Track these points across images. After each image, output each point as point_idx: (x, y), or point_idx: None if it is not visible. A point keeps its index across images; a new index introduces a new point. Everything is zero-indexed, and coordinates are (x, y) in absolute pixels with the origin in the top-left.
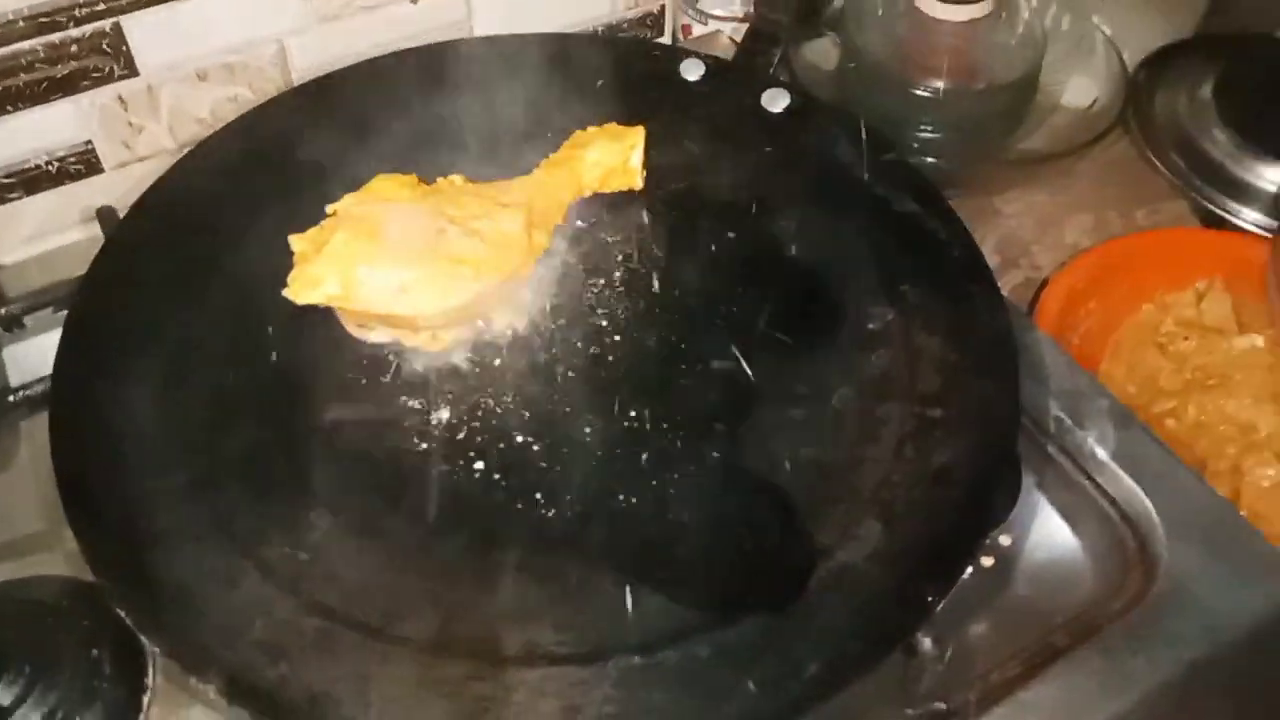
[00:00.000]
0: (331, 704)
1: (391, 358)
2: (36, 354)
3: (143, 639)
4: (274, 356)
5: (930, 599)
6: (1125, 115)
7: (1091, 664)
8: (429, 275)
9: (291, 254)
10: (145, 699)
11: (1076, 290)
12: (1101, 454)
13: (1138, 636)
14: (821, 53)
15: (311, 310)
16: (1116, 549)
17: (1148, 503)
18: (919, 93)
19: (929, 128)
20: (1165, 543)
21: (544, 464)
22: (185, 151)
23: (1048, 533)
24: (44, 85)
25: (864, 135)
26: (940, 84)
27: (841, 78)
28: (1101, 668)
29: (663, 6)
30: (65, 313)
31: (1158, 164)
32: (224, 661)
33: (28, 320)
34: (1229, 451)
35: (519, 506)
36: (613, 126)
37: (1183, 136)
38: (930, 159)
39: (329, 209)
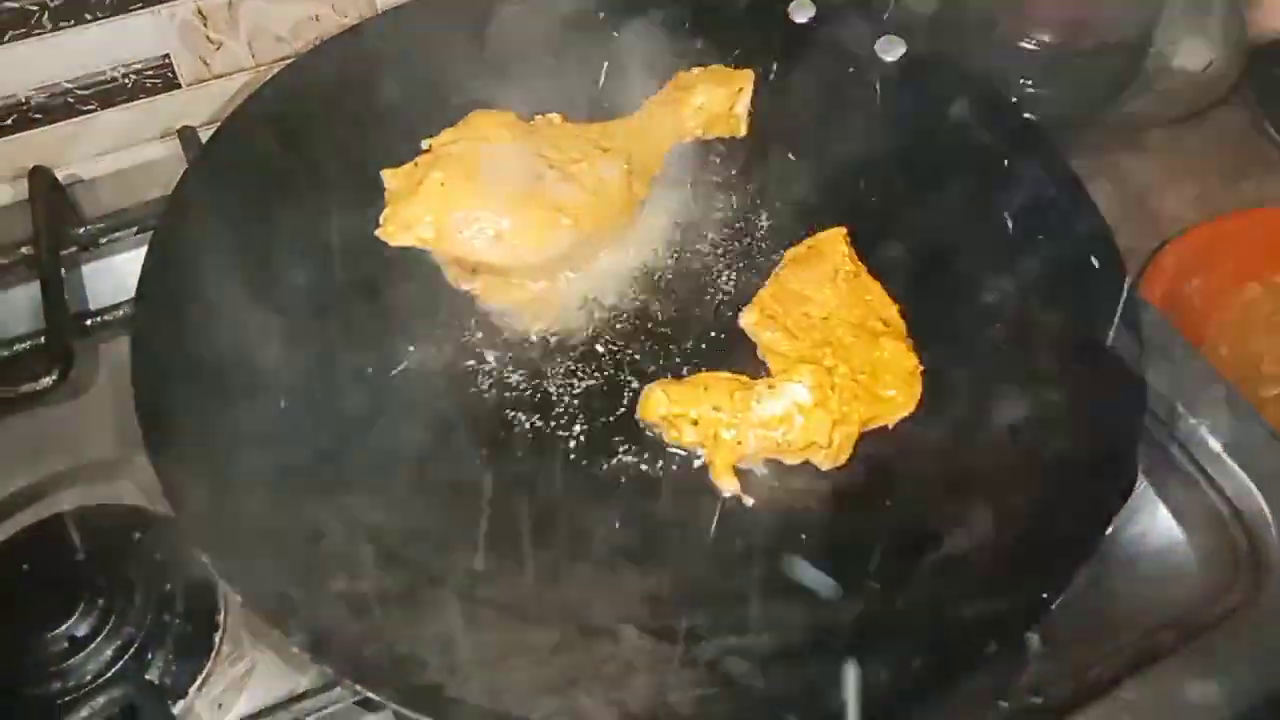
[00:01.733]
0: (415, 666)
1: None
2: (110, 274)
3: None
4: (362, 294)
5: (1045, 596)
6: (1242, 82)
7: (1193, 668)
8: (527, 222)
9: (382, 188)
10: (217, 636)
11: (1183, 266)
12: (1215, 445)
13: (1244, 643)
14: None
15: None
16: (1226, 548)
17: (1262, 501)
18: (1025, 45)
19: (1031, 83)
20: (1278, 544)
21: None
22: (267, 72)
23: (1153, 526)
24: None
25: (984, 92)
26: (1047, 38)
27: (941, 24)
28: (1203, 673)
29: None
30: (143, 234)
31: (1274, 135)
32: (305, 615)
33: (103, 241)
34: None
35: (616, 477)
36: (719, 69)
37: None
38: (1031, 116)
39: (425, 143)
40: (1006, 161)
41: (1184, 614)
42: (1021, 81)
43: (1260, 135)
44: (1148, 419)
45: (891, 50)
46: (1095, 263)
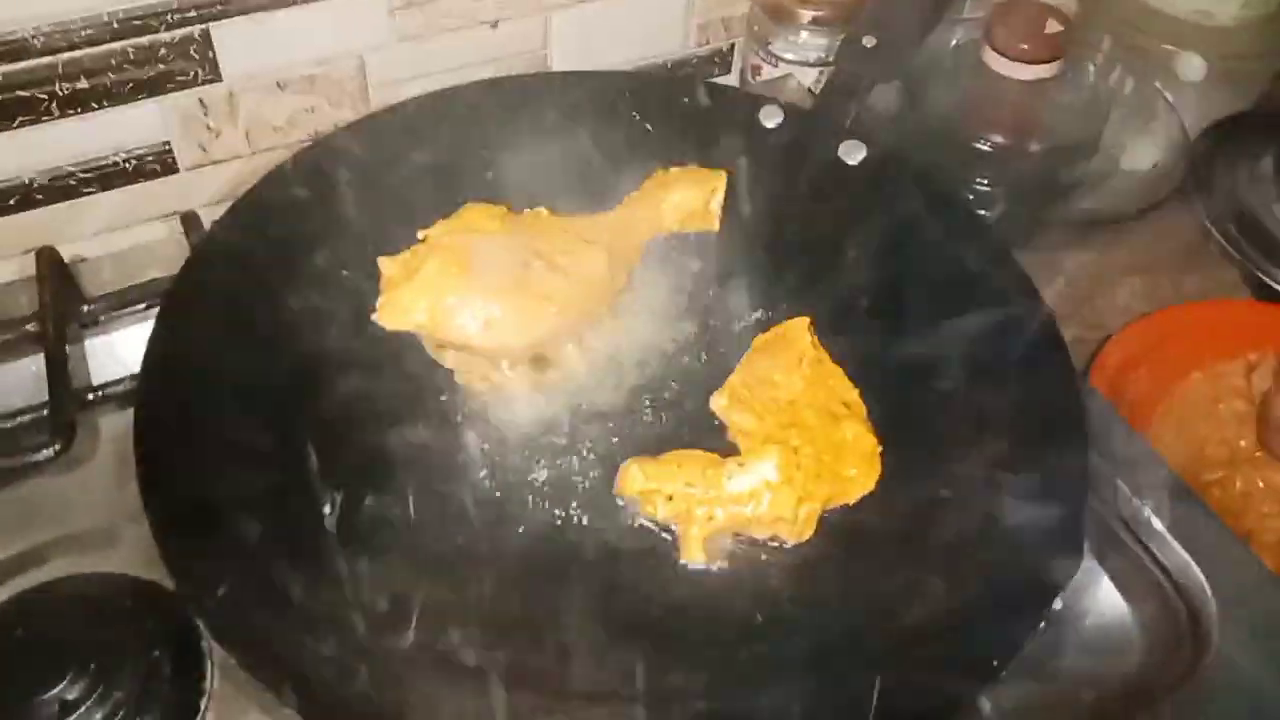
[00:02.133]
0: None
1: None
2: (107, 350)
3: (206, 643)
4: (355, 374)
5: (995, 663)
6: (1184, 182)
7: None
8: (515, 310)
9: (376, 276)
10: (203, 702)
11: (1130, 356)
12: (1157, 524)
13: (1188, 711)
14: (885, 98)
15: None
16: (1168, 620)
17: (1201, 577)
18: (980, 146)
19: (986, 182)
20: (1217, 618)
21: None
22: (263, 158)
23: (1100, 599)
24: (129, 86)
25: (939, 192)
26: (1002, 140)
27: (903, 124)
28: None
29: (732, 45)
30: (145, 312)
31: (1214, 232)
32: (298, 675)
33: (105, 318)
34: (1275, 525)
35: (592, 550)
36: (695, 169)
37: (1241, 208)
38: (984, 212)
39: (420, 234)
40: (958, 255)
41: (1131, 682)
42: (977, 180)
43: (1202, 232)
44: (1094, 500)
45: (853, 154)
46: (1041, 351)
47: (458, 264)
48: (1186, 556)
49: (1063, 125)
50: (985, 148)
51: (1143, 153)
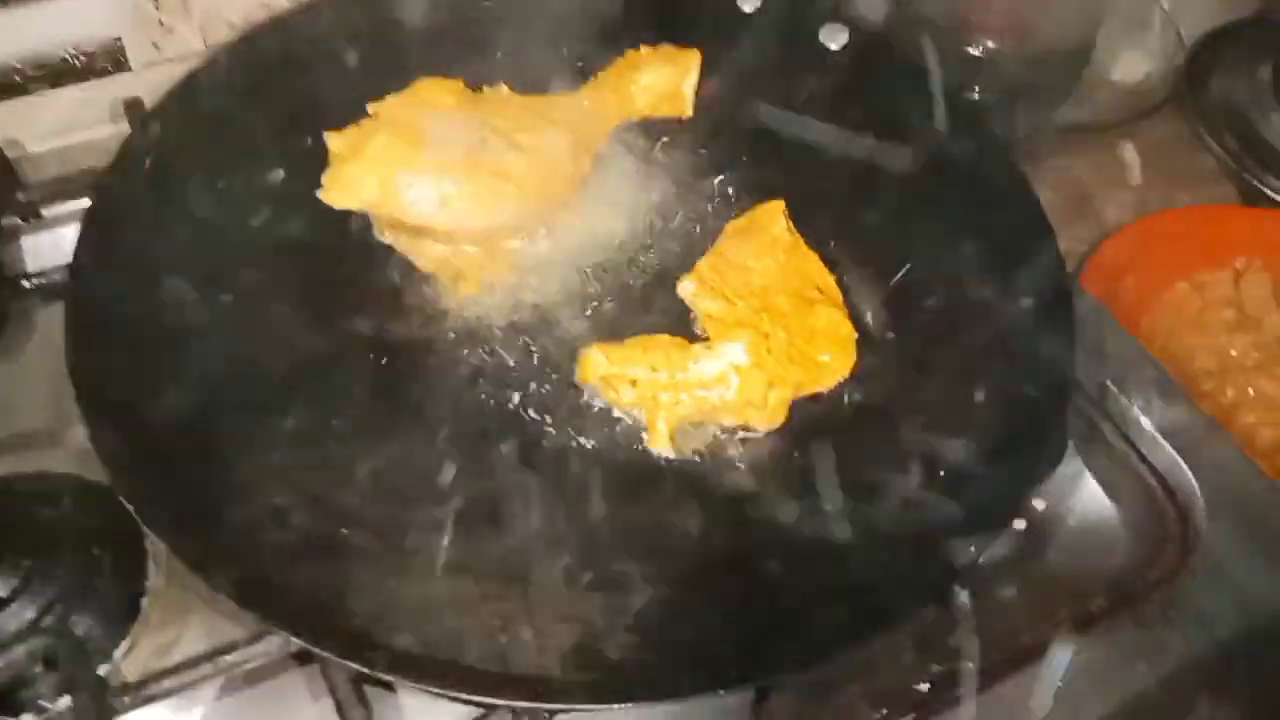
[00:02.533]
0: (344, 615)
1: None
2: (53, 245)
3: (148, 541)
4: (300, 256)
5: (972, 550)
6: (1178, 93)
7: (1124, 635)
8: (471, 188)
9: (325, 152)
10: (144, 601)
11: (1116, 265)
12: (1146, 423)
13: (1173, 610)
14: (871, 2)
15: (343, 211)
16: (1155, 520)
17: (1189, 476)
18: (971, 51)
19: (976, 89)
20: (1205, 517)
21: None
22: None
23: (1085, 499)
24: None
25: (927, 79)
26: (992, 44)
27: (890, 29)
28: (1134, 639)
29: None
30: (82, 204)
31: (1210, 143)
32: (234, 564)
33: (45, 211)
34: (1266, 433)
35: (550, 434)
36: (666, 49)
37: (1237, 117)
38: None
39: (370, 108)
40: (945, 142)
41: (1115, 581)
42: (967, 87)
43: (1195, 145)
44: (1081, 398)
45: (835, 38)
46: (1029, 240)
47: (409, 138)
48: (1174, 455)
49: (1055, 31)
50: (976, 53)
51: (1135, 63)
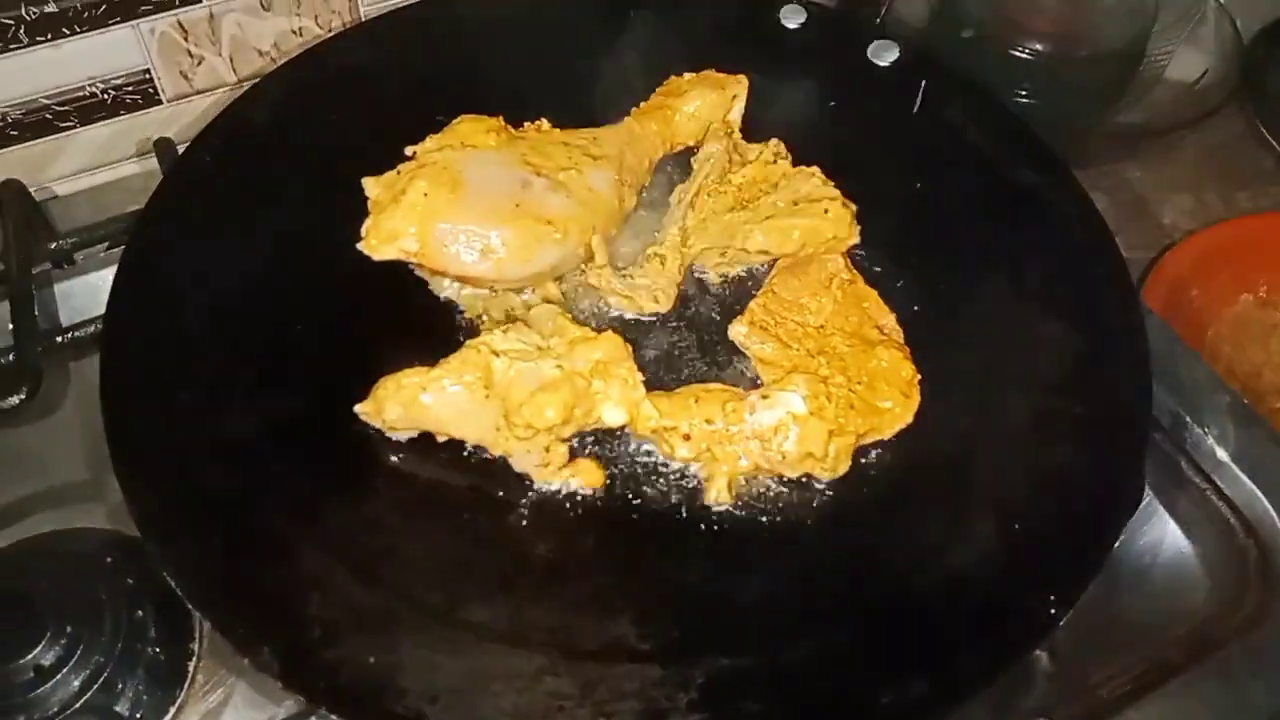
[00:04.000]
0: (393, 694)
1: (463, 320)
2: (87, 292)
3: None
4: (338, 306)
5: (1054, 612)
6: (1236, 91)
7: (1206, 686)
8: (514, 236)
9: (363, 198)
10: (191, 665)
11: (1181, 276)
12: (1222, 454)
13: (1258, 659)
14: (914, 7)
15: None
16: (1236, 559)
17: (1271, 509)
18: (1018, 54)
19: (1025, 93)
20: None
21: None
22: (248, 85)
23: (1161, 538)
24: (102, 9)
25: (983, 97)
26: (1041, 47)
27: (935, 34)
28: (1217, 691)
29: None
30: (118, 250)
31: (1272, 142)
32: (277, 640)
33: (78, 256)
34: None
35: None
36: (711, 74)
37: None
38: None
39: (408, 150)
40: (1003, 166)
41: (1195, 628)
42: (1015, 92)
43: (1255, 144)
44: (1153, 429)
45: (885, 55)
46: (1097, 268)
47: (449, 184)
48: (1254, 487)
49: (1106, 30)
50: (1025, 55)
51: (1191, 60)
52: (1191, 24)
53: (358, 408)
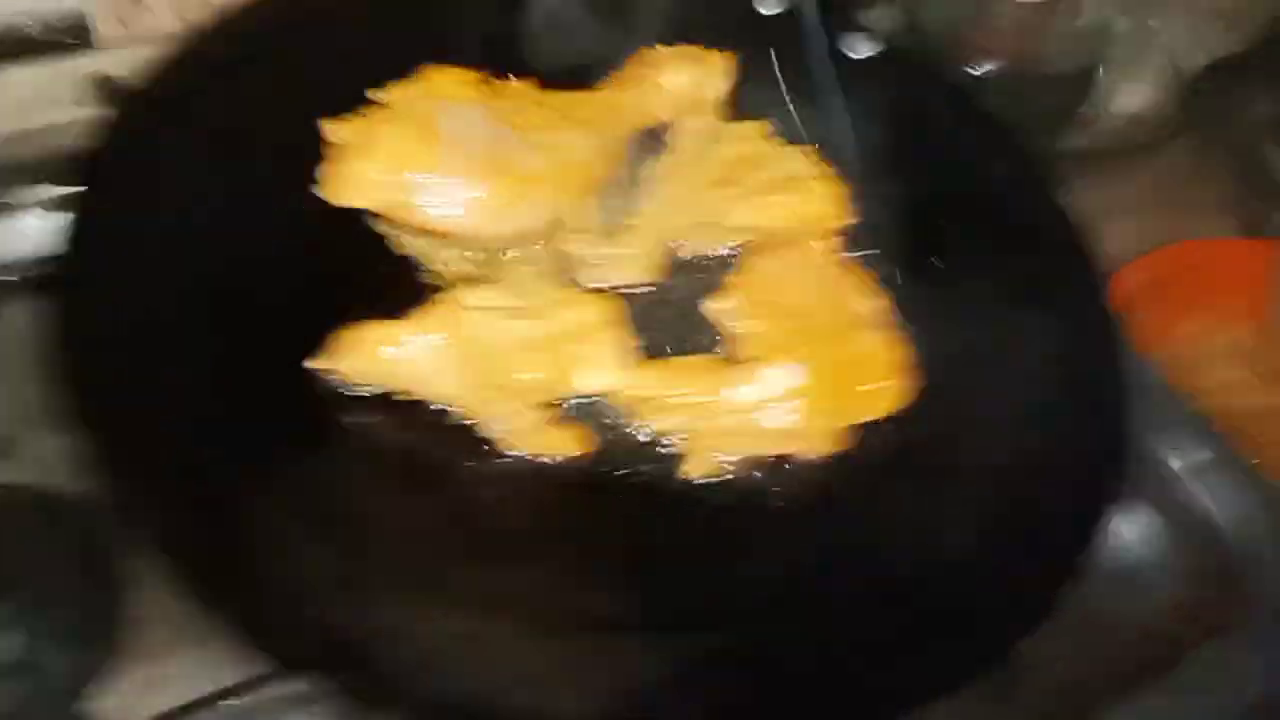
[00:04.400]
0: (364, 660)
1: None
2: (18, 237)
3: (125, 561)
4: (296, 258)
5: (1048, 598)
6: (1182, 122)
7: (1175, 690)
8: (489, 192)
9: (323, 143)
10: (120, 631)
11: (1126, 300)
12: (1182, 469)
13: (1223, 666)
14: (875, 21)
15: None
16: (1201, 570)
17: (1234, 523)
18: (973, 71)
19: None
20: (1255, 566)
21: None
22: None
23: (1128, 547)
24: None
25: (958, 90)
26: (994, 65)
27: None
28: (1183, 696)
29: None
30: (49, 192)
31: (1218, 174)
32: (241, 601)
33: (9, 199)
34: None
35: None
36: (690, 48)
37: (1241, 149)
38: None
39: (374, 95)
40: (980, 158)
41: (1165, 635)
42: None
43: (1203, 173)
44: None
45: (858, 47)
46: (1079, 259)
47: (422, 132)
48: (1209, 502)
49: (1058, 55)
50: (979, 73)
51: (1140, 89)
52: (1137, 57)
53: (311, 362)
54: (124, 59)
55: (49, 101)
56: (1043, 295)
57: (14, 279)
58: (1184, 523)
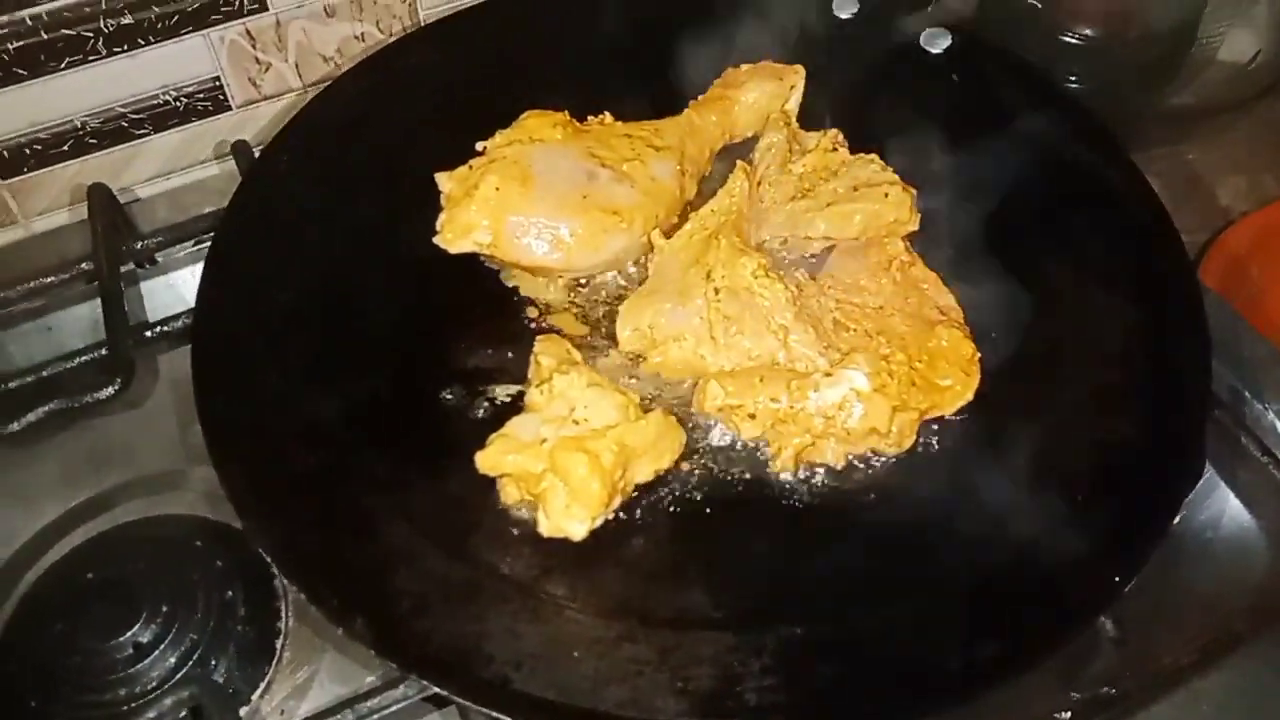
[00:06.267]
0: (481, 660)
1: (525, 307)
2: (169, 290)
3: (279, 581)
4: (413, 295)
5: (1117, 580)
6: None
7: (1271, 654)
8: (582, 227)
9: (435, 193)
10: (279, 642)
11: (1239, 255)
12: None
13: None
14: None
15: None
16: None
17: None
18: (1067, 39)
19: (1075, 78)
20: None
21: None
22: (320, 88)
23: (1222, 510)
24: (174, 19)
25: (1037, 80)
26: (1091, 30)
27: (983, 20)
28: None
29: None
30: (199, 249)
31: None
32: (368, 611)
33: (160, 256)
34: None
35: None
36: (768, 65)
37: None
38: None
39: (479, 146)
40: (1059, 147)
41: (1259, 598)
42: (1066, 77)
43: None
44: (1215, 406)
45: (937, 42)
46: (1154, 244)
47: (519, 177)
48: None
49: (1155, 13)
50: (1074, 40)
51: (1244, 40)
52: (1243, 3)
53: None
54: (256, 118)
55: (191, 163)
56: (1119, 278)
57: (172, 330)
58: (1276, 489)
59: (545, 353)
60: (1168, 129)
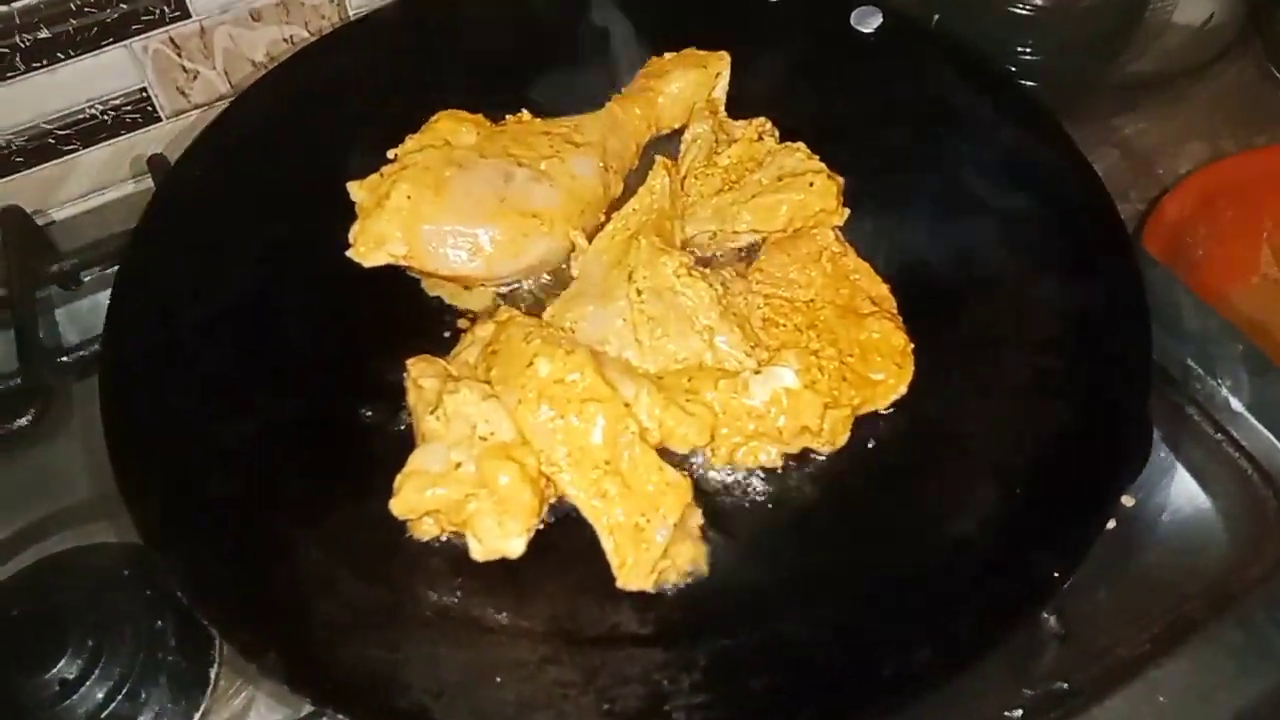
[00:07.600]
0: (399, 690)
1: (450, 317)
2: (95, 313)
3: None
4: (331, 309)
5: (1056, 574)
6: (1245, 32)
7: (1228, 639)
8: (501, 233)
9: (350, 200)
10: (213, 671)
11: (1183, 218)
12: (1236, 404)
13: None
14: None
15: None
16: (1254, 510)
17: None
18: (1018, 10)
19: (1028, 49)
20: None
21: None
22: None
23: (1176, 492)
24: (94, 30)
25: (966, 57)
26: (1041, 1)
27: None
28: (1239, 643)
29: None
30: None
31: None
32: (281, 643)
33: (85, 277)
34: None
35: None
36: (692, 53)
37: None
38: (1029, 83)
39: (390, 153)
40: (992, 125)
41: (1215, 581)
42: (1018, 49)
43: (1269, 86)
44: (1161, 380)
45: (868, 21)
46: (1090, 222)
47: (432, 184)
48: (1271, 437)
49: None
50: (1025, 10)
51: (1196, 4)
52: None
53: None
54: (188, 129)
55: (119, 179)
56: (1055, 259)
57: (89, 354)
58: (1239, 464)
59: (423, 375)
60: (1124, 98)
